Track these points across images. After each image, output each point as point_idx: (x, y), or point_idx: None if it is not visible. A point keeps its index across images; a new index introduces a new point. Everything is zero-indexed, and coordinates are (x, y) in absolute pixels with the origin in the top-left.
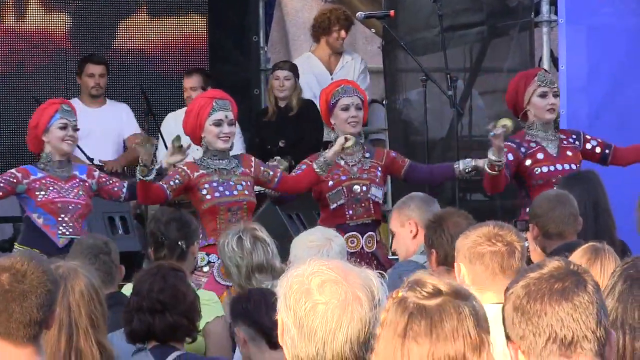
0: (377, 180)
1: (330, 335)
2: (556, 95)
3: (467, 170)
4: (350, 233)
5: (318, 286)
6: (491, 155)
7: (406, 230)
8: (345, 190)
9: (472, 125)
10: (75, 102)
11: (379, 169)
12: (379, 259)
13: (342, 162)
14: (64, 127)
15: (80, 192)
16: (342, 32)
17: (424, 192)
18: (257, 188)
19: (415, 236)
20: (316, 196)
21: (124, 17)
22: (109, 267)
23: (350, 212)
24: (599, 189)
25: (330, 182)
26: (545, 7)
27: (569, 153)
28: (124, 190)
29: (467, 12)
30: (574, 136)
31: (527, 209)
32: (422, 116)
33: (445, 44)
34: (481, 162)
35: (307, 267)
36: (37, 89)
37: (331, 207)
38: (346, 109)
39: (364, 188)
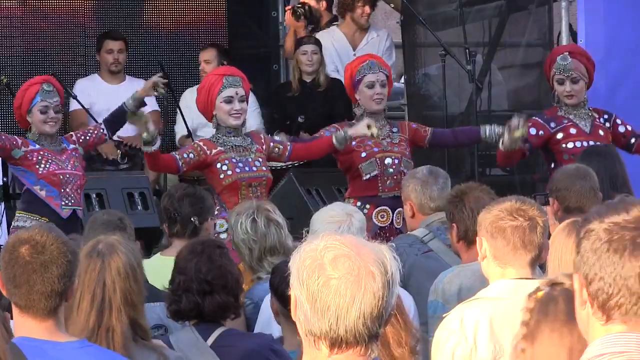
0: (407, 153)
1: (344, 310)
2: (575, 81)
3: (493, 139)
4: (382, 207)
5: (331, 261)
6: (506, 140)
7: (407, 208)
8: (378, 161)
9: (491, 99)
10: (95, 78)
11: (406, 142)
12: None
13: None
14: (44, 111)
15: (76, 164)
16: (367, 8)
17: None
18: (274, 163)
19: (412, 216)
20: (344, 167)
21: None
22: None
23: (382, 184)
24: (617, 163)
25: (363, 154)
26: None
27: (601, 132)
28: (104, 131)
29: None
30: (605, 116)
31: None
32: (441, 91)
33: (464, 18)
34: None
35: (320, 241)
36: (57, 66)
37: (364, 178)
38: (371, 86)
39: (396, 161)
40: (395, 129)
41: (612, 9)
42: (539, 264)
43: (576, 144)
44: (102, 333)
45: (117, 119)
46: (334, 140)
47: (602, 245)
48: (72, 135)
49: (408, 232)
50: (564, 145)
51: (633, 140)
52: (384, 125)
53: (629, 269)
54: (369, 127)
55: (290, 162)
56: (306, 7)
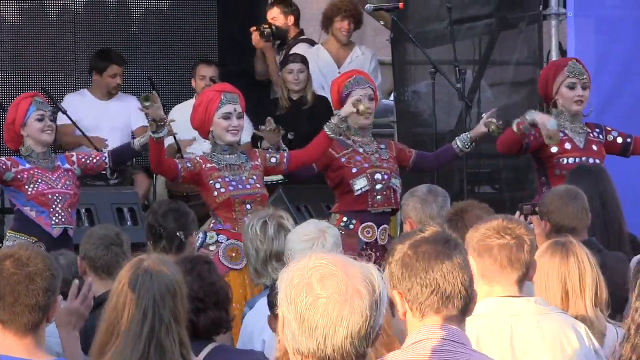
0: (395, 170)
1: (331, 329)
2: (585, 87)
3: (466, 146)
4: (367, 223)
5: (319, 280)
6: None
7: (407, 227)
8: (369, 177)
9: (480, 117)
10: (84, 93)
11: (393, 159)
12: None
13: (361, 150)
14: (41, 119)
15: (68, 182)
16: (345, 24)
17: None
18: (268, 178)
19: None
20: (334, 183)
21: (134, 7)
22: (120, 258)
23: (372, 199)
24: (606, 181)
25: (354, 169)
26: (553, 0)
27: (594, 147)
28: (106, 160)
29: (476, 4)
30: (597, 130)
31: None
32: (431, 108)
33: (454, 36)
34: (481, 130)
35: (308, 261)
36: (46, 81)
37: (356, 193)
38: (359, 100)
39: (385, 176)
40: (382, 146)
41: (601, 27)
42: (526, 281)
43: (569, 160)
44: (152, 350)
45: (122, 153)
46: (327, 130)
47: (411, 259)
48: (72, 155)
49: None
50: (557, 161)
51: (629, 139)
52: (371, 142)
53: (437, 270)
54: (355, 105)
55: (289, 173)
56: (273, 27)
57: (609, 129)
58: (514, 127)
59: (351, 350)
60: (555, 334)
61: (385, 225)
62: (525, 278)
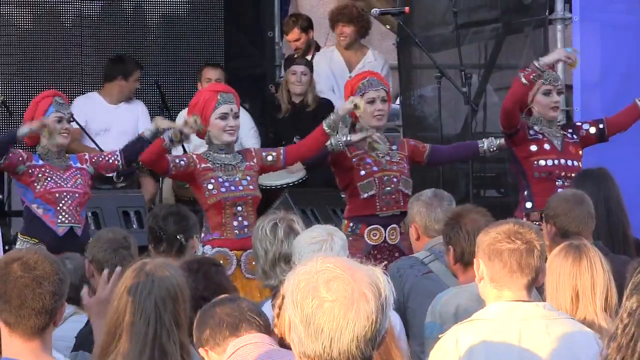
0: (406, 172)
1: (337, 332)
2: (560, 93)
3: (492, 149)
4: (373, 226)
5: (325, 283)
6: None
7: (412, 231)
8: (377, 181)
9: (486, 121)
10: (94, 96)
11: (406, 160)
12: (402, 251)
13: (373, 153)
14: (59, 121)
15: (79, 181)
16: (345, 28)
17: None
18: (270, 182)
19: (417, 239)
20: (343, 185)
21: (142, 13)
22: (128, 261)
23: (380, 203)
24: (610, 186)
25: (362, 172)
26: (559, 5)
27: (571, 149)
28: (119, 158)
29: (482, 9)
30: (570, 130)
31: (527, 204)
32: (437, 112)
33: (460, 40)
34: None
35: (314, 264)
36: (53, 85)
37: (362, 197)
38: (372, 102)
39: (395, 180)
40: (394, 147)
41: (607, 31)
42: (535, 287)
43: (547, 162)
44: (157, 354)
45: (134, 148)
46: (325, 126)
47: None
48: (85, 154)
49: (410, 255)
50: (535, 163)
51: (601, 125)
52: (384, 142)
53: None
54: (355, 105)
55: (294, 179)
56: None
57: (578, 124)
58: (523, 79)
59: (357, 353)
60: (564, 339)
61: (394, 225)
62: (534, 283)
